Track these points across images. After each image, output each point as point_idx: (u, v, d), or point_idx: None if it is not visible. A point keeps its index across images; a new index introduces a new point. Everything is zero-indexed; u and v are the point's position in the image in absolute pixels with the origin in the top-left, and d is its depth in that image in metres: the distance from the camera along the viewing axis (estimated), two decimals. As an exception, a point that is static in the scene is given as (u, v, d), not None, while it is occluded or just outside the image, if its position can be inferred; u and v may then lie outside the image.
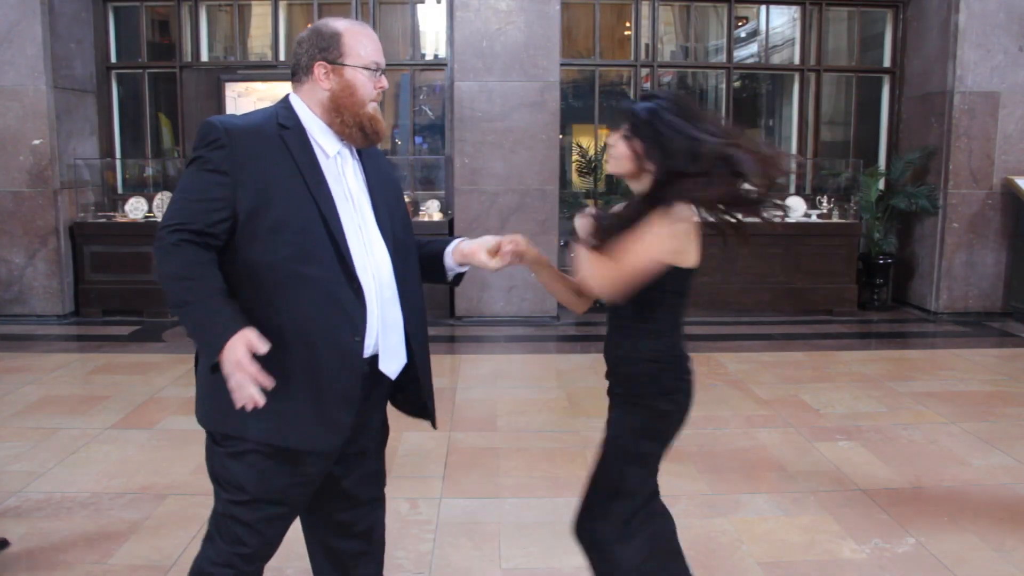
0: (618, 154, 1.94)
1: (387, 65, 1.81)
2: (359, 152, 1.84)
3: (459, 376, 5.13)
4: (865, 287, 7.20)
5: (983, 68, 6.62)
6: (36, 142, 6.49)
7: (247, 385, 1.53)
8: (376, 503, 2.01)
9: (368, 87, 1.76)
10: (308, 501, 1.83)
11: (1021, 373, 5.23)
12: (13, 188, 6.52)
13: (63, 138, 6.64)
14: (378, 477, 2.01)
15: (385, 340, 1.78)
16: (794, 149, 7.70)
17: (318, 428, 1.69)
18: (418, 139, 7.61)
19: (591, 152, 7.14)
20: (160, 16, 7.56)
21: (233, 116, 1.77)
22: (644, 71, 7.45)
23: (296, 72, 1.78)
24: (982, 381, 5.02)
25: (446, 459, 3.69)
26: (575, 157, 7.37)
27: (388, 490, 3.31)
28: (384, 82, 1.80)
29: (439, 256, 1.95)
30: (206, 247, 1.61)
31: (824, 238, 6.91)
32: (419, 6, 7.20)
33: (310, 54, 1.75)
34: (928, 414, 4.35)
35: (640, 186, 1.95)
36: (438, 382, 4.96)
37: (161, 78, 7.45)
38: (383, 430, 2.00)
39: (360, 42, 1.76)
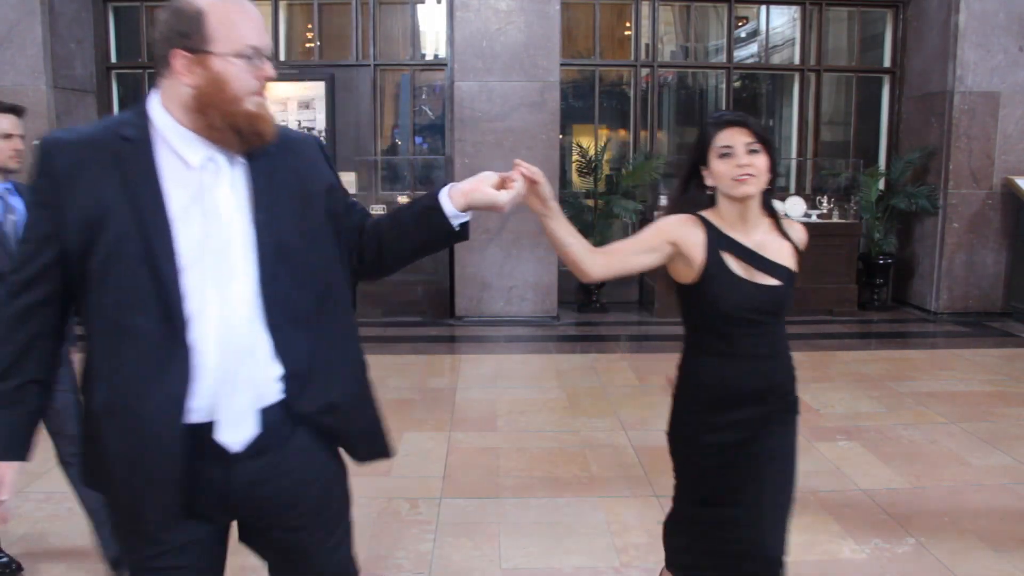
0: (760, 169, 1.84)
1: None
2: (254, 153, 1.44)
3: (459, 376, 5.12)
4: (865, 287, 7.20)
5: (983, 68, 6.62)
6: (36, 142, 6.47)
7: None
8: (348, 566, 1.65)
9: (245, 78, 1.36)
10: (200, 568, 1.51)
11: (1021, 373, 5.22)
12: (13, 188, 6.51)
13: (63, 138, 6.63)
14: (337, 548, 1.60)
15: (228, 403, 1.39)
16: (794, 149, 7.70)
17: (133, 517, 1.44)
18: (418, 139, 7.61)
19: (591, 152, 7.14)
20: (160, 16, 7.56)
21: (70, 130, 1.47)
22: (644, 71, 7.45)
23: (155, 64, 1.40)
24: (982, 381, 5.02)
25: (446, 459, 3.69)
26: (575, 157, 7.37)
27: (388, 490, 3.32)
28: (269, 70, 1.39)
29: (434, 207, 1.51)
30: (37, 306, 1.40)
31: (824, 238, 6.90)
32: (419, 6, 7.20)
33: (168, 40, 1.35)
34: (928, 414, 4.35)
35: (751, 202, 1.89)
36: (439, 382, 4.99)
37: (161, 78, 7.45)
38: (320, 496, 1.54)
39: (232, 21, 1.35)
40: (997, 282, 6.90)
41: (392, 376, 4.93)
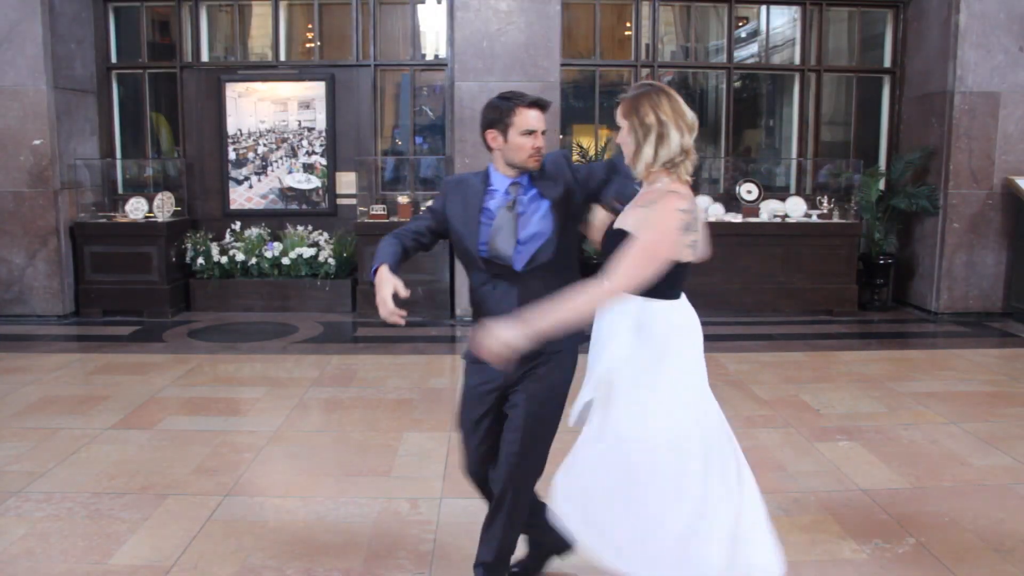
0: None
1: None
2: None
3: (459, 376, 5.11)
4: (865, 287, 7.20)
5: (983, 68, 6.62)
6: (36, 142, 6.49)
7: None
8: None
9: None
10: None
11: (1021, 373, 5.22)
12: (13, 188, 6.52)
13: (63, 138, 6.64)
14: None
15: None
16: (794, 149, 7.70)
17: None
18: (418, 139, 7.61)
19: (591, 152, 7.13)
20: (160, 16, 7.57)
21: None
22: (644, 71, 7.45)
23: None
24: (982, 381, 5.02)
25: (446, 459, 3.69)
26: (575, 157, 7.37)
27: (388, 490, 3.32)
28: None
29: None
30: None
31: (824, 238, 6.91)
32: (419, 6, 7.20)
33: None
34: (928, 414, 4.35)
35: None
36: (439, 382, 4.99)
37: (161, 78, 7.46)
38: None
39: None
40: (997, 282, 6.90)
41: (392, 376, 4.93)
